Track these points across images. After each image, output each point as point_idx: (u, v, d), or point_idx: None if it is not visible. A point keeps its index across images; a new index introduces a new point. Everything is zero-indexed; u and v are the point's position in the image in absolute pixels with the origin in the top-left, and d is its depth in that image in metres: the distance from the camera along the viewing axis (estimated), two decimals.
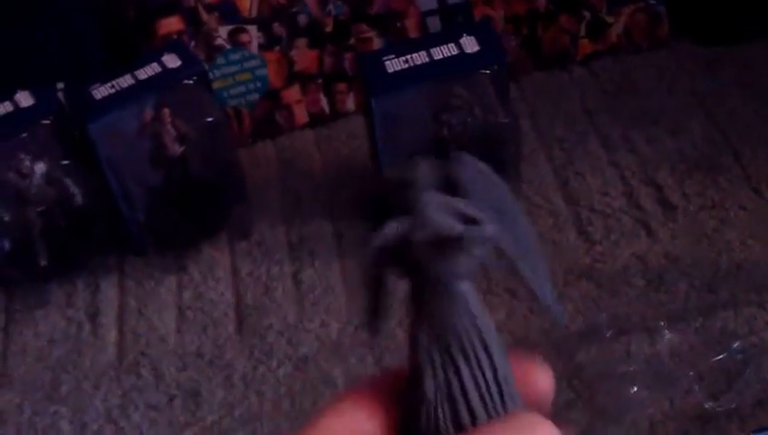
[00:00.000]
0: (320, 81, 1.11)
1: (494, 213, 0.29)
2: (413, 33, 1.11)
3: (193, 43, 1.06)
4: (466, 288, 0.28)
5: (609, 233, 0.95)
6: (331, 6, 1.08)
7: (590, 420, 0.79)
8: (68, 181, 0.94)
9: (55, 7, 1.05)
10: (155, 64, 0.95)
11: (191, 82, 0.95)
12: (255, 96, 1.10)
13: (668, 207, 0.97)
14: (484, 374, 0.28)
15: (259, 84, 1.10)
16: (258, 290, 0.95)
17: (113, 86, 0.93)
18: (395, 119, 0.91)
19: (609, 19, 1.14)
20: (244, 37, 1.08)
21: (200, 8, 1.05)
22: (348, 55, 1.10)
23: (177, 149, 0.95)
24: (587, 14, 1.14)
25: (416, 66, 0.91)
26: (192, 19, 1.05)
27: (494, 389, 0.28)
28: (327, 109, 1.13)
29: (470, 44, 0.93)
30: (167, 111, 0.94)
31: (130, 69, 0.95)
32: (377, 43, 1.10)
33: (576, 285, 0.90)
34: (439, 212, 0.28)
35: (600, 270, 0.91)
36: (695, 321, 0.85)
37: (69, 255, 0.98)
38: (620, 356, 0.83)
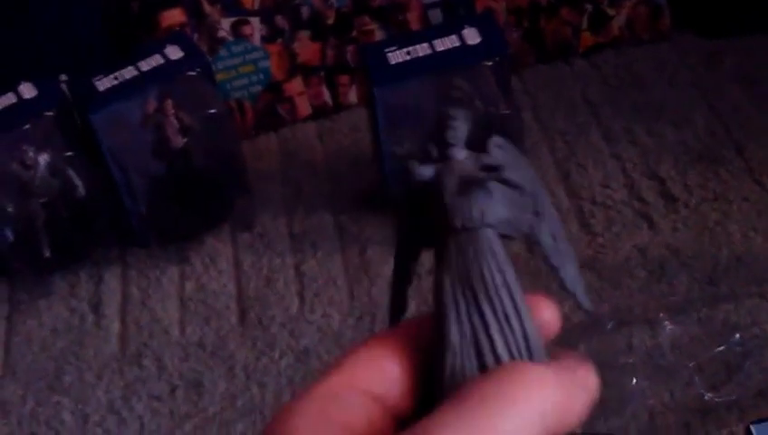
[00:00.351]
0: (322, 73, 1.11)
1: (528, 192, 0.30)
2: (415, 26, 1.11)
3: (196, 36, 1.06)
4: (491, 235, 0.28)
5: (610, 225, 0.95)
6: None
7: (590, 411, 0.79)
8: (71, 173, 0.95)
9: None
10: (158, 56, 0.95)
11: (194, 73, 0.95)
12: (258, 88, 1.10)
13: (670, 199, 0.97)
14: (509, 321, 0.27)
15: (262, 76, 1.10)
16: (260, 281, 0.95)
17: (116, 78, 0.93)
18: (397, 110, 0.92)
19: (611, 12, 1.14)
20: (246, 29, 1.08)
21: (203, 0, 1.06)
22: (350, 47, 1.11)
23: (179, 140, 0.95)
24: (589, 7, 1.14)
25: (418, 58, 0.91)
26: (195, 11, 1.06)
27: (519, 336, 0.27)
28: (329, 101, 1.13)
29: (472, 36, 0.93)
30: (170, 102, 0.94)
31: (133, 60, 0.95)
32: (379, 36, 1.10)
33: None
34: (468, 159, 0.30)
35: (601, 262, 0.92)
36: (696, 313, 0.85)
37: (72, 246, 0.98)
38: (621, 348, 0.83)
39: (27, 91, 0.95)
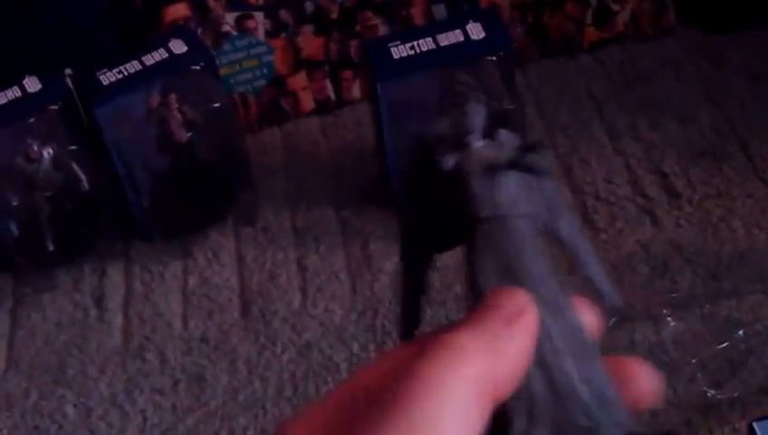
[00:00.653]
0: (326, 68, 1.11)
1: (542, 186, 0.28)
2: (419, 21, 1.10)
3: (200, 30, 1.06)
4: (524, 224, 0.27)
5: (613, 221, 0.95)
6: None
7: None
8: (75, 166, 0.95)
9: None
10: (162, 50, 0.95)
11: (198, 68, 0.95)
12: (262, 83, 1.10)
13: (674, 195, 0.97)
14: (561, 311, 0.25)
15: (265, 71, 1.10)
16: (263, 276, 0.95)
17: (121, 72, 0.94)
18: (400, 105, 0.91)
19: (616, 7, 1.14)
20: (250, 24, 1.08)
21: None
22: (354, 42, 1.10)
23: (183, 135, 0.95)
24: (593, 2, 1.13)
25: (422, 53, 0.91)
26: (199, 5, 1.06)
27: (574, 326, 0.26)
28: (333, 96, 1.13)
29: (476, 31, 0.93)
30: (174, 96, 0.94)
31: (138, 55, 0.95)
32: (382, 31, 1.10)
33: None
34: (487, 147, 0.28)
35: (604, 258, 0.92)
36: (699, 309, 0.85)
37: (76, 240, 0.98)
38: (624, 344, 0.83)
39: (32, 84, 0.95)
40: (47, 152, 0.93)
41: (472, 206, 0.27)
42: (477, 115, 0.29)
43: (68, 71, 1.00)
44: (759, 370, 0.80)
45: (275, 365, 0.87)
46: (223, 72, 1.06)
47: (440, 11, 1.11)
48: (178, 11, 1.05)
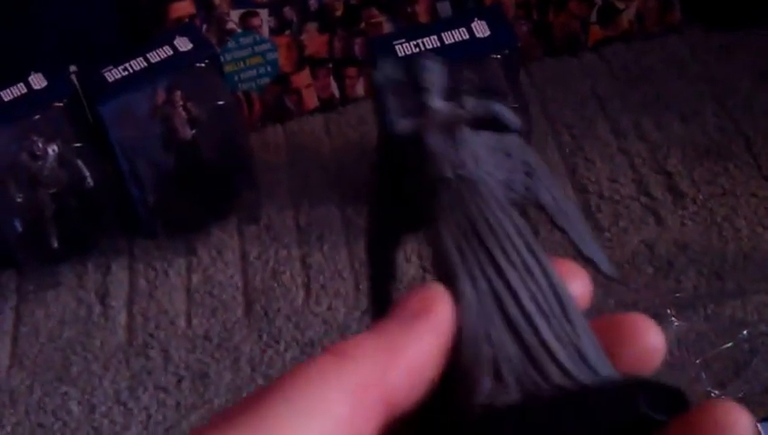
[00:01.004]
0: (330, 65, 1.11)
1: (516, 152, 0.26)
2: (423, 19, 1.10)
3: (205, 27, 1.06)
4: (492, 183, 0.25)
5: (617, 220, 0.95)
6: None
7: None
8: (80, 164, 0.95)
9: None
10: (167, 47, 0.95)
11: (203, 65, 0.95)
12: (266, 80, 1.10)
13: (678, 194, 0.97)
14: (531, 271, 0.24)
15: (269, 68, 1.10)
16: (266, 274, 0.95)
17: (126, 69, 0.94)
18: None
19: (621, 5, 1.14)
20: (255, 21, 1.08)
21: None
22: (358, 40, 1.10)
23: (187, 132, 0.95)
24: (598, 0, 1.13)
25: (426, 50, 0.91)
26: (204, 3, 1.06)
27: (546, 288, 0.24)
28: (337, 93, 1.13)
29: (481, 29, 0.92)
30: (178, 93, 0.94)
31: (143, 52, 0.95)
32: (387, 28, 1.10)
33: None
34: (448, 107, 0.26)
35: (608, 257, 0.91)
36: (703, 309, 0.85)
37: (80, 237, 0.98)
38: None
39: (37, 81, 0.95)
40: (52, 149, 0.93)
41: (432, 167, 0.25)
42: (438, 72, 0.27)
43: (73, 68, 1.00)
44: (763, 370, 0.80)
45: (278, 363, 0.87)
46: (227, 69, 1.06)
47: (445, 8, 1.11)
48: (183, 8, 1.05)
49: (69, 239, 0.97)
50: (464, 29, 0.92)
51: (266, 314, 0.92)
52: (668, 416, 0.22)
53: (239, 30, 1.08)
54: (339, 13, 1.09)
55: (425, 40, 0.92)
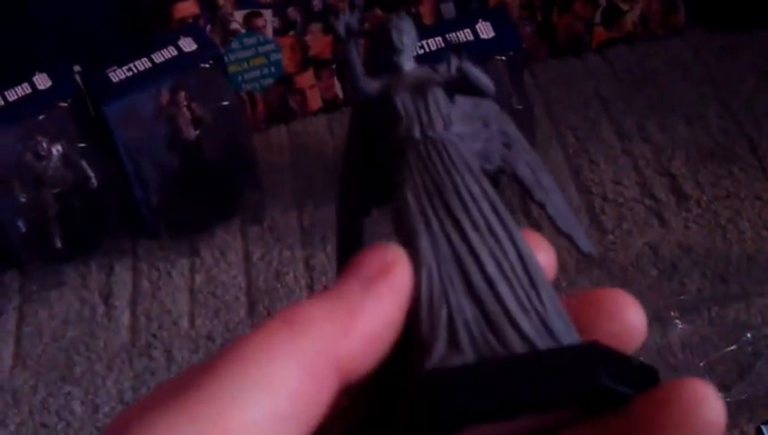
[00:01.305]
0: (333, 66, 1.11)
1: (494, 121, 0.26)
2: (427, 20, 1.10)
3: (209, 27, 1.06)
4: (461, 144, 0.24)
5: (621, 222, 0.95)
6: None
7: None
8: (84, 164, 0.95)
9: None
10: (171, 48, 0.95)
11: (207, 65, 0.95)
12: (270, 81, 1.10)
13: (682, 196, 0.97)
14: (496, 237, 0.23)
15: (273, 69, 1.10)
16: (270, 274, 0.95)
17: (130, 69, 0.94)
18: None
19: (625, 6, 1.14)
20: (258, 21, 1.08)
21: None
22: (362, 41, 1.10)
23: (192, 132, 0.95)
24: (602, 2, 1.13)
25: (430, 51, 0.91)
26: (208, 3, 1.06)
27: (513, 255, 0.23)
28: (340, 94, 1.13)
29: (485, 30, 0.92)
30: (183, 94, 0.94)
31: (147, 52, 0.95)
32: None
33: (588, 274, 0.90)
34: (418, 69, 0.26)
35: (612, 259, 0.91)
36: (707, 311, 0.85)
37: (84, 237, 0.98)
38: None
39: (42, 81, 0.95)
40: (56, 149, 0.93)
41: (400, 127, 0.25)
42: (409, 33, 0.27)
43: (78, 68, 1.00)
44: (767, 373, 0.80)
45: None
46: (231, 69, 1.06)
47: (449, 9, 1.10)
48: (187, 8, 1.05)
49: (73, 239, 0.97)
50: (468, 30, 0.92)
51: (269, 314, 0.92)
52: (634, 390, 0.21)
53: (243, 30, 1.08)
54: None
55: (429, 41, 0.92)
